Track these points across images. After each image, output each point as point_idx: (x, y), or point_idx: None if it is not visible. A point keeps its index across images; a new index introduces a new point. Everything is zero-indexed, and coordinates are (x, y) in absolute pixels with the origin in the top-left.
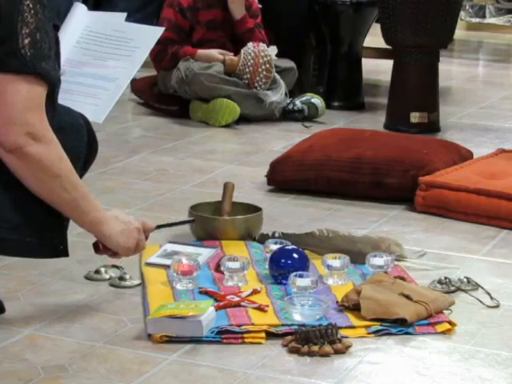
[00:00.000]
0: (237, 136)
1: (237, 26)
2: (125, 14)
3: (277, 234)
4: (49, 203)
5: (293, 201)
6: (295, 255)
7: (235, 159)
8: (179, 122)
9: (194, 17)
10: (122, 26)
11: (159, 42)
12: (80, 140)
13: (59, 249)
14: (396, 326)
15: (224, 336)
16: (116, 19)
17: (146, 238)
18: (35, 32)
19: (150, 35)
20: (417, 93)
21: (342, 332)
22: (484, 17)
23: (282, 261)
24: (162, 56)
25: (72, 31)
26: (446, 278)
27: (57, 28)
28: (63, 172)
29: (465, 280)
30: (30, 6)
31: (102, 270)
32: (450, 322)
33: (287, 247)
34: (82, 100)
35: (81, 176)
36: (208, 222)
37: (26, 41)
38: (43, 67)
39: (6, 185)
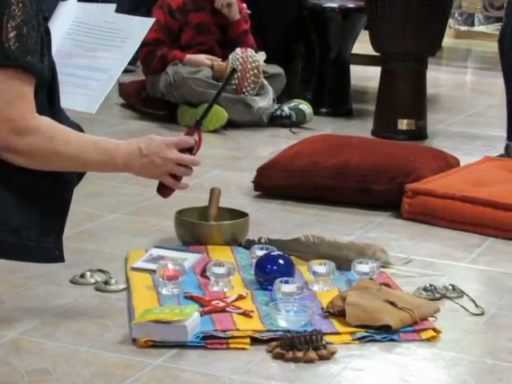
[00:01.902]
0: (224, 141)
1: (232, 28)
2: (114, 5)
3: (263, 240)
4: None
5: (279, 206)
6: (281, 261)
7: (222, 164)
8: (167, 126)
9: (183, 18)
10: (112, 17)
11: (149, 44)
12: None
13: (56, 254)
14: (381, 332)
15: (209, 341)
16: (106, 10)
17: (192, 150)
18: (22, 25)
19: (140, 26)
20: (404, 100)
21: (327, 338)
22: (473, 25)
23: (268, 266)
24: (150, 58)
25: (62, 23)
26: (431, 285)
27: (46, 19)
28: (59, 148)
29: (450, 287)
30: None
31: (88, 274)
32: (434, 329)
33: (273, 253)
34: (74, 91)
35: (76, 184)
36: (194, 227)
37: (12, 34)
38: (28, 60)
39: (6, 187)
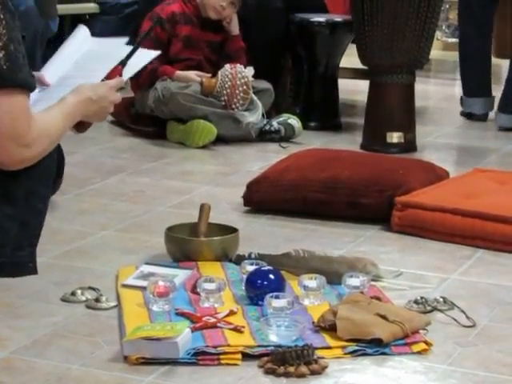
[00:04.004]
0: (214, 157)
1: (230, 43)
2: (126, 39)
3: (253, 255)
4: None
5: (269, 221)
6: (271, 276)
7: (212, 180)
8: (156, 143)
9: (172, 29)
10: (121, 49)
11: None
12: (51, 158)
13: (29, 266)
14: (372, 346)
15: (200, 357)
16: (117, 43)
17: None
18: (8, 43)
19: (143, 56)
20: (393, 113)
21: (319, 353)
22: None
23: (258, 282)
24: (140, 70)
25: (71, 53)
26: (422, 297)
27: (23, 38)
28: (54, 138)
29: (441, 300)
30: (1, 16)
31: (78, 291)
32: (426, 342)
33: (263, 268)
34: None
35: (50, 195)
36: (184, 244)
37: (1, 54)
38: (21, 77)
39: None
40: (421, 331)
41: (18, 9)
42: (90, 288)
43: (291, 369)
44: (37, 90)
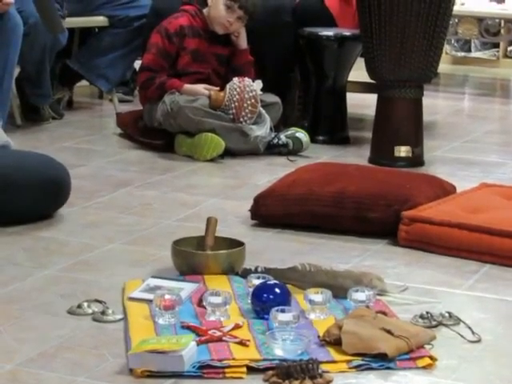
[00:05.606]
0: (221, 170)
1: (238, 56)
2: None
3: (259, 269)
4: None
5: (276, 235)
6: (277, 290)
7: (219, 193)
8: (164, 156)
9: (180, 42)
10: None
11: (148, 69)
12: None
13: None
14: (377, 360)
15: (205, 371)
16: None
17: None
18: None
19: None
20: (401, 127)
21: (323, 367)
22: (469, 51)
23: (264, 295)
24: (149, 84)
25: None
26: (427, 312)
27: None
28: None
29: (446, 315)
30: None
31: (85, 304)
32: (431, 357)
33: (269, 282)
34: None
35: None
36: (191, 257)
37: None
38: None
39: None
40: (426, 346)
41: (27, 22)
42: (97, 301)
43: (296, 383)
44: None
